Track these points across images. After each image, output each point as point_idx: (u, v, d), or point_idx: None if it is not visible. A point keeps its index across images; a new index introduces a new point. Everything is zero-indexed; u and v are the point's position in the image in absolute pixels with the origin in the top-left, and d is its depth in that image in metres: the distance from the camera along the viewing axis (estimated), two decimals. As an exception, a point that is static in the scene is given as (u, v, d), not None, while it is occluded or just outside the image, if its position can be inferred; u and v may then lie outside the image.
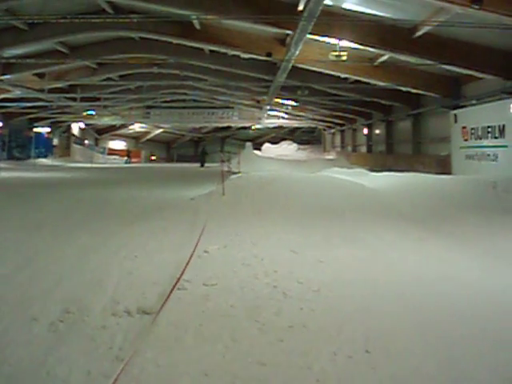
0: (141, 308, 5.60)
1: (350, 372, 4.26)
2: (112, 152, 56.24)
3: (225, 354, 4.54)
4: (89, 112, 40.60)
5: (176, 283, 6.38)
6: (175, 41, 21.60)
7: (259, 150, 50.50)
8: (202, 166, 36.07)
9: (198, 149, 58.65)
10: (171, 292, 6.06)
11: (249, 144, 40.96)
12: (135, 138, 60.10)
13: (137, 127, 54.10)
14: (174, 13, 16.94)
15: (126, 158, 53.03)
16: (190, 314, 5.49)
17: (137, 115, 45.64)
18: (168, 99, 40.57)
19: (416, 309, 5.75)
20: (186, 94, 37.22)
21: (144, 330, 5.05)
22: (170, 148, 65.44)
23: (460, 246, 9.08)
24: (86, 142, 52.38)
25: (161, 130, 56.13)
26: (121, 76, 31.26)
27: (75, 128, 50.70)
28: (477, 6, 11.28)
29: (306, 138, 60.64)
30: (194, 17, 16.92)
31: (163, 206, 13.92)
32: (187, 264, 7.30)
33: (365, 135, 36.99)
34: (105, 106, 39.88)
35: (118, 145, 59.08)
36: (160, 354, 4.53)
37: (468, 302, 6.02)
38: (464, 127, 20.30)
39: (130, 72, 29.74)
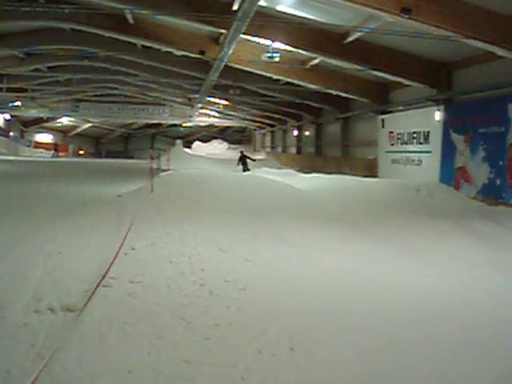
0: (65, 305, 5.49)
1: (275, 369, 4.31)
2: (39, 145, 54.61)
3: (150, 352, 4.51)
4: (13, 104, 39.25)
5: (101, 280, 6.29)
6: (107, 34, 21.17)
7: (189, 148, 50.28)
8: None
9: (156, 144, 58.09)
10: (96, 289, 5.97)
11: (179, 142, 40.79)
12: (63, 131, 58.62)
13: (65, 121, 52.76)
14: (107, 5, 16.65)
15: (53, 151, 51.60)
16: (115, 312, 5.43)
17: (65, 108, 44.50)
18: (98, 93, 39.80)
19: (339, 307, 5.88)
20: (116, 88, 36.55)
21: (67, 327, 4.96)
22: (98, 143, 64.24)
23: (384, 247, 9.33)
24: (11, 134, 50.73)
25: (90, 125, 54.96)
26: (50, 67, 30.40)
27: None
28: (406, 16, 11.59)
29: (236, 137, 60.73)
30: (128, 11, 16.68)
31: (90, 201, 13.68)
32: (113, 261, 7.20)
33: (295, 136, 37.34)
34: (32, 98, 38.71)
35: (45, 138, 57.45)
36: (83, 352, 4.46)
37: (387, 300, 6.21)
38: (391, 132, 20.85)
39: (59, 64, 29.03)
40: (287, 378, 4.19)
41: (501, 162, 14.17)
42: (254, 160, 28.22)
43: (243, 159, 28.92)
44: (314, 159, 32.28)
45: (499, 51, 12.87)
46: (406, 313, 5.85)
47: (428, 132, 18.11)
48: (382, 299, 6.27)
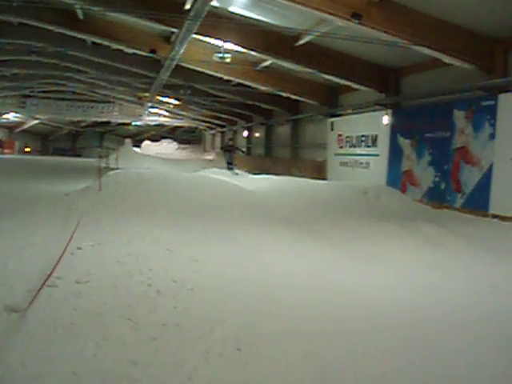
0: (8, 305, 5.36)
1: (222, 370, 4.31)
2: (-18, 142, 53.37)
3: (96, 353, 4.45)
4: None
5: (46, 280, 6.17)
6: (56, 29, 20.81)
7: (139, 147, 49.85)
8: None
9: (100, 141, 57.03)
10: (40, 289, 5.85)
11: (128, 140, 40.36)
12: (9, 127, 57.27)
13: (11, 116, 51.57)
14: (57, 0, 16.37)
15: (-3, 148, 50.44)
16: (61, 312, 5.33)
17: (11, 104, 43.51)
18: (46, 89, 39.04)
19: (287, 308, 5.92)
20: (65, 85, 35.91)
21: (11, 328, 4.85)
22: (46, 140, 62.99)
23: (332, 249, 9.43)
24: (-47, 129, 49.38)
25: (37, 121, 53.79)
26: (-5, 61, 29.71)
27: None
28: (357, 21, 11.76)
29: (186, 137, 60.49)
30: (78, 6, 16.44)
31: (36, 200, 13.43)
32: (59, 260, 7.07)
33: (245, 137, 37.43)
34: (-24, 93, 37.80)
35: (-10, 134, 56.16)
36: (27, 354, 4.37)
37: (335, 302, 6.29)
38: (340, 135, 21.12)
39: (5, 58, 28.34)
40: (234, 378, 4.20)
41: (446, 167, 14.51)
42: (242, 152, 26.75)
43: (230, 150, 26.54)
44: (263, 160, 32.40)
45: (446, 58, 13.19)
46: (352, 313, 5.93)
47: (376, 136, 18.42)
48: (329, 300, 6.34)
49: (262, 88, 23.35)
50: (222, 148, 25.44)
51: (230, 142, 26.38)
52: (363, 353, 4.83)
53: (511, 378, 4.55)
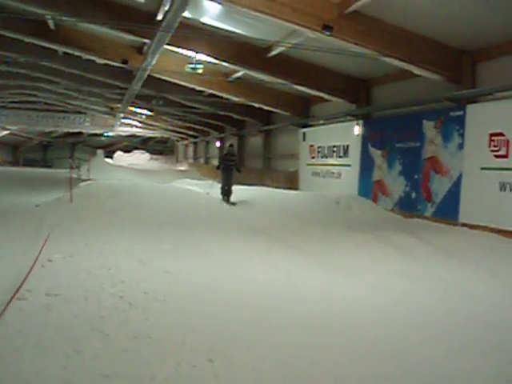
0: (-24, 319, 5.30)
1: (194, 381, 4.31)
2: (-50, 152, 52.61)
3: (66, 366, 4.41)
4: None
5: (15, 293, 6.11)
6: (27, 39, 20.65)
7: (111, 157, 49.54)
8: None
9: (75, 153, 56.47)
10: (10, 302, 5.80)
11: (100, 151, 40.14)
12: (-22, 138, 56.65)
13: (-20, 127, 51.03)
14: (27, 10, 16.25)
15: (-34, 159, 49.77)
16: (31, 325, 5.29)
17: (-20, 115, 43.05)
18: (16, 100, 38.65)
19: (259, 318, 5.93)
20: (36, 95, 35.62)
21: (-21, 341, 4.80)
22: (16, 151, 62.27)
23: (303, 259, 9.47)
24: None
25: (7, 132, 53.27)
26: (-36, 71, 29.34)
27: None
28: (327, 33, 11.86)
29: (159, 148, 60.34)
30: (49, 16, 16.33)
31: (5, 211, 13.27)
32: (28, 273, 7.01)
33: (217, 148, 37.44)
34: None
35: (-42, 145, 55.40)
36: (-4, 367, 4.33)
37: (305, 311, 6.32)
38: (311, 145, 21.24)
39: (-26, 68, 28.05)
40: (205, 389, 4.21)
41: (416, 176, 14.68)
42: (239, 171, 17.32)
43: (228, 165, 16.72)
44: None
45: (415, 70, 13.37)
46: (324, 322, 5.96)
47: (347, 146, 18.56)
48: (300, 310, 6.38)
49: (235, 99, 23.44)
50: (220, 162, 17.10)
51: (230, 150, 17.20)
52: (337, 364, 4.86)
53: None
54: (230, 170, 16.44)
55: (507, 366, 5.00)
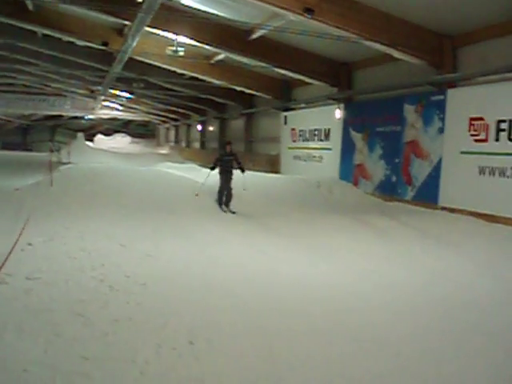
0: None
1: (174, 363, 4.34)
2: None
3: (46, 349, 4.42)
4: None
5: (-4, 276, 6.09)
6: (5, 20, 20.33)
7: (91, 141, 49.15)
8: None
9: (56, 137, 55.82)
10: (-11, 286, 5.78)
11: (80, 134, 39.74)
12: (-45, 121, 55.88)
13: (-42, 110, 50.32)
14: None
15: None
16: (11, 309, 5.27)
17: (-42, 97, 42.42)
18: (-5, 82, 38.16)
19: (238, 301, 5.96)
20: (15, 77, 35.12)
21: (-41, 325, 4.78)
22: (-6, 134, 61.61)
23: (285, 242, 9.52)
24: None
25: (-15, 115, 52.68)
26: None
27: None
28: (309, 16, 11.83)
29: (140, 131, 59.92)
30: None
31: (-15, 195, 13.15)
32: (8, 257, 6.97)
33: (199, 131, 37.32)
34: None
35: None
36: (-25, 352, 4.32)
37: (286, 295, 6.36)
38: (293, 129, 21.26)
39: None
40: (187, 370, 4.22)
41: (396, 160, 14.76)
42: (243, 170, 13.49)
43: (227, 166, 13.37)
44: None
45: (396, 53, 13.38)
46: (301, 306, 6.01)
47: (329, 129, 18.61)
48: (280, 294, 6.41)
49: (216, 82, 23.30)
50: (215, 162, 13.59)
51: (228, 148, 13.63)
52: (319, 348, 4.91)
53: (452, 360, 4.68)
54: (229, 173, 13.21)
55: (479, 343, 5.08)
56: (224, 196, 13.11)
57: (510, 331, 5.47)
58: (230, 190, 13.14)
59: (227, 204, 13.05)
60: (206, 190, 13.29)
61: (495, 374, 4.48)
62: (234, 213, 12.54)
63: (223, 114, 31.66)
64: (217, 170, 13.35)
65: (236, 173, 13.24)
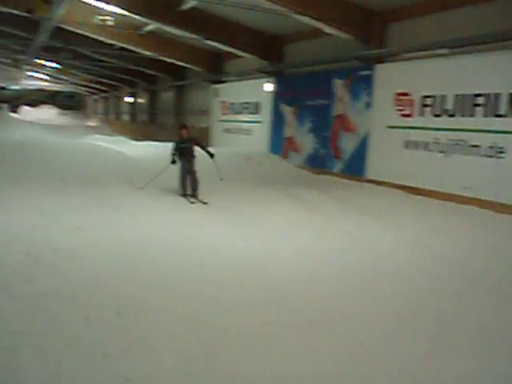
0: None
1: (102, 334, 4.34)
2: None
3: (-31, 325, 4.34)
4: None
5: None
6: None
7: (17, 112, 47.72)
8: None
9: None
10: None
11: (5, 105, 38.53)
12: None
13: None
14: None
15: None
16: None
17: None
18: None
19: (166, 272, 6.01)
20: None
21: None
22: None
23: (212, 214, 9.57)
24: None
25: None
26: None
27: None
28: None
29: (68, 102, 58.52)
30: None
31: None
32: None
33: (128, 104, 36.75)
34: None
35: None
36: None
37: (212, 265, 6.43)
38: (223, 102, 21.23)
39: None
40: (115, 341, 4.24)
41: (325, 133, 14.99)
42: (211, 155, 11.63)
43: (186, 152, 11.58)
44: (148, 127, 32.04)
45: (326, 28, 13.49)
46: (229, 277, 6.09)
47: (259, 103, 18.66)
48: (210, 266, 6.47)
49: (146, 53, 22.92)
50: (174, 153, 11.47)
51: (187, 134, 11.81)
52: (240, 316, 5.00)
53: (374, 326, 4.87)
54: (191, 160, 11.52)
55: (393, 311, 5.29)
56: (188, 183, 11.33)
57: (427, 298, 5.70)
58: (193, 174, 11.39)
59: (194, 192, 11.21)
60: (139, 165, 13.15)
61: (416, 339, 4.67)
62: (205, 203, 10.65)
63: (154, 86, 31.24)
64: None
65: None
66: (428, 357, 4.29)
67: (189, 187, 11.32)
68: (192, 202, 10.74)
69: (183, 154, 11.48)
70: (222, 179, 11.82)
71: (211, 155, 11.59)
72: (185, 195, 11.21)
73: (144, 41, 21.38)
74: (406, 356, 4.29)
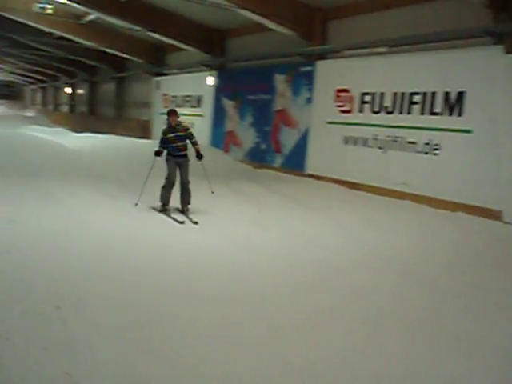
0: None
1: (41, 327, 4.28)
2: None
3: None
4: None
5: None
6: None
7: None
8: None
9: None
10: None
11: None
12: None
13: None
14: None
15: None
16: None
17: None
18: None
19: (108, 264, 5.96)
20: None
21: None
22: None
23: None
24: None
25: None
26: None
27: None
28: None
29: (4, 92, 56.93)
30: None
31: None
32: None
33: (68, 94, 36.07)
34: None
35: None
36: None
37: (156, 256, 6.42)
38: (165, 94, 21.10)
39: None
40: (53, 335, 4.19)
41: (266, 128, 15.11)
42: (200, 156, 9.30)
43: (176, 142, 9.06)
44: (87, 119, 31.56)
45: (269, 24, 13.58)
46: (161, 268, 6.10)
47: (201, 96, 18.64)
48: (140, 254, 6.52)
49: (86, 43, 22.55)
50: (162, 144, 9.09)
51: (173, 121, 9.08)
52: (175, 306, 5.03)
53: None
54: (181, 158, 9.11)
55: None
56: (173, 193, 9.10)
57: (359, 289, 5.83)
58: (185, 183, 9.11)
59: (184, 206, 9.08)
60: (78, 157, 12.96)
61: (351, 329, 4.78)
62: (195, 223, 8.39)
63: (94, 77, 30.75)
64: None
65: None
66: (364, 344, 4.40)
67: (179, 199, 9.13)
68: (181, 222, 8.38)
69: (171, 149, 9.05)
70: (213, 192, 9.50)
71: (200, 156, 9.26)
72: (164, 210, 9.03)
73: (84, 30, 21.05)
74: (342, 345, 4.39)
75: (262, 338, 4.41)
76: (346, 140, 12.41)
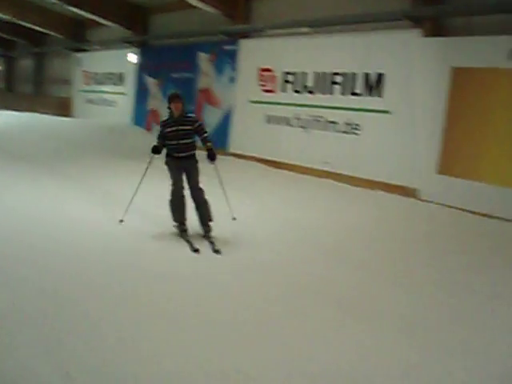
0: None
1: None
2: None
3: None
4: None
5: None
6: None
7: None
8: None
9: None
10: None
11: None
12: None
13: None
14: None
15: None
16: None
17: None
18: None
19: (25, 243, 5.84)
20: None
21: None
22: None
23: (73, 186, 9.35)
24: None
25: None
26: None
27: None
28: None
29: None
30: None
31: None
32: None
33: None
34: None
35: None
36: None
37: (73, 239, 6.32)
38: (86, 71, 20.62)
39: None
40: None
41: (189, 107, 14.98)
42: (212, 156, 6.94)
43: (182, 136, 6.81)
44: (4, 95, 30.40)
45: (192, 1, 13.43)
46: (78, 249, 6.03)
47: (123, 74, 18.32)
48: (64, 236, 6.38)
49: (2, 16, 21.65)
50: (160, 138, 6.88)
51: (177, 109, 6.79)
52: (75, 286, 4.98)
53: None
54: (187, 160, 7.07)
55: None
56: (185, 208, 6.93)
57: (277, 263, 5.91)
58: (197, 193, 6.96)
59: (203, 226, 6.88)
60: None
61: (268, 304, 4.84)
62: (217, 251, 6.19)
63: (11, 52, 29.62)
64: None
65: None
66: (280, 318, 4.47)
67: (198, 215, 6.93)
68: (195, 250, 6.21)
69: (171, 149, 6.98)
70: (234, 218, 7.25)
71: (212, 156, 7.06)
72: (181, 228, 6.90)
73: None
74: (261, 318, 4.45)
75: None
76: (269, 119, 12.49)
